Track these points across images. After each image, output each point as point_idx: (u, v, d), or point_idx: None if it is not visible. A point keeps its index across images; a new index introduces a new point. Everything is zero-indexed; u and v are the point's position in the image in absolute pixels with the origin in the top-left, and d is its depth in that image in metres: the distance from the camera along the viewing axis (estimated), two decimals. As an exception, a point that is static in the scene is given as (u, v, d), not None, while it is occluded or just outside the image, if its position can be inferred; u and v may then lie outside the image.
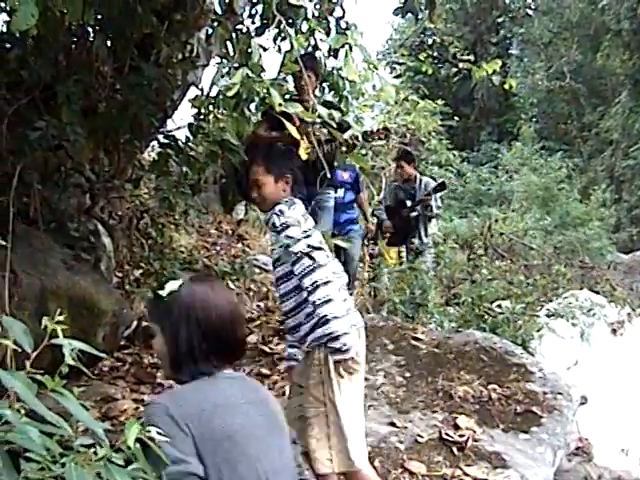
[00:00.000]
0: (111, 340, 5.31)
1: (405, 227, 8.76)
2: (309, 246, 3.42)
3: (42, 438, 1.40)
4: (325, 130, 4.17)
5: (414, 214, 8.71)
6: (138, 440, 1.53)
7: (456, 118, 20.44)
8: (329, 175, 4.24)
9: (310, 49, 5.91)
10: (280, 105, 3.47)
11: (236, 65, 5.41)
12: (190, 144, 5.66)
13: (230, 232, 9.77)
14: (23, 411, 1.45)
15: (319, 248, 3.49)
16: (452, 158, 17.77)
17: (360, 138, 5.35)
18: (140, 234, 6.96)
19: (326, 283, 3.36)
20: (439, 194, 9.06)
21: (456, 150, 18.66)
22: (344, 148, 5.18)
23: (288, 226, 3.45)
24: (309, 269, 3.40)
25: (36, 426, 1.43)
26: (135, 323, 5.88)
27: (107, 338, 5.17)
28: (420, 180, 9.00)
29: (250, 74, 3.65)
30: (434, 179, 10.33)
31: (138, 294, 6.14)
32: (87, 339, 4.79)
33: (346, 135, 5.37)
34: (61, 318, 1.59)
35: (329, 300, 3.32)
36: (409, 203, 8.79)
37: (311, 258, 3.40)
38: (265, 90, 3.58)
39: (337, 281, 3.46)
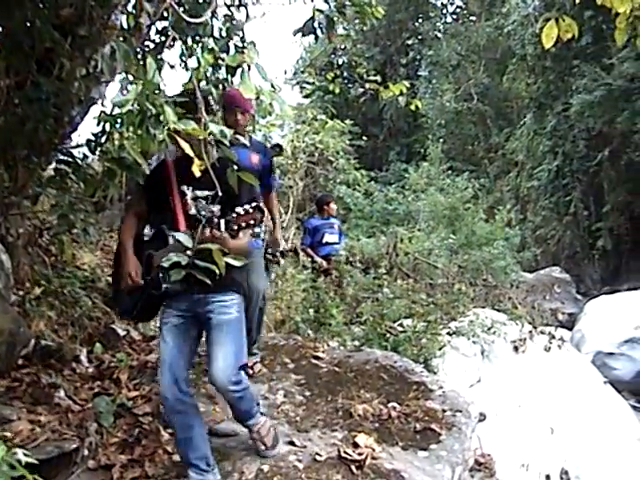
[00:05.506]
0: (7, 359, 5.17)
1: None
2: None
3: None
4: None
5: None
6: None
7: (365, 138, 20.68)
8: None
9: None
10: (174, 123, 3.43)
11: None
12: (90, 162, 5.57)
13: (135, 250, 9.63)
14: None
15: None
16: (360, 177, 17.88)
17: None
18: (41, 251, 6.81)
19: None
20: None
21: (364, 170, 18.77)
22: None
23: None
24: None
25: None
26: (33, 342, 5.74)
27: (3, 357, 5.04)
28: None
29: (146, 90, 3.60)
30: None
31: (37, 312, 6.00)
32: (-20, 359, 4.68)
33: None
34: None
35: None
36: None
37: None
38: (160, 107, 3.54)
39: None
